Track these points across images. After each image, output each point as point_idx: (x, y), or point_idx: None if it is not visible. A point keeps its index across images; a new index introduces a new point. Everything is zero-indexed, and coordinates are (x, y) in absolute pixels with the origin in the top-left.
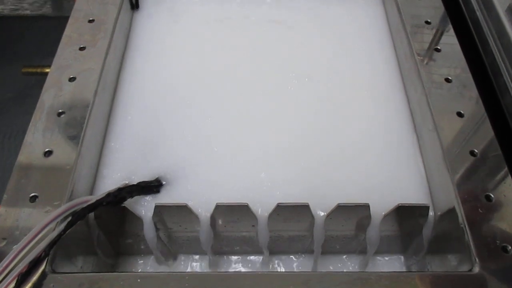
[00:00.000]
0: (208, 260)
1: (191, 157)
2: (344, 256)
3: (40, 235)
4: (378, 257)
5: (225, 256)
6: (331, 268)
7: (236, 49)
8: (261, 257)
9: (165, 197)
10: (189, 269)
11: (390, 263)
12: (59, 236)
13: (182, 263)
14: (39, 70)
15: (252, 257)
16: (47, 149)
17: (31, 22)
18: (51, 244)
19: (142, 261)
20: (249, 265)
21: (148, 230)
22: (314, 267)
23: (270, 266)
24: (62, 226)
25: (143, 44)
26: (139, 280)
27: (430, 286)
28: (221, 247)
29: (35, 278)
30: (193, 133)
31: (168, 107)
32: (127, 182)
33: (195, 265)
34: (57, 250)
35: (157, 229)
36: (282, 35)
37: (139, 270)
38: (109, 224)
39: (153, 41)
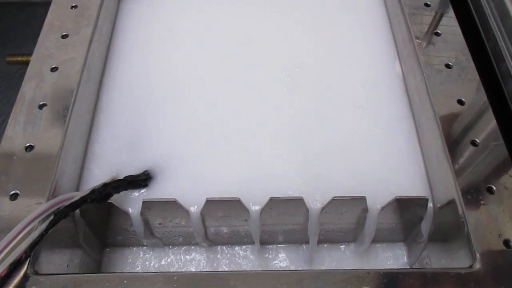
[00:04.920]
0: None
1: (181, 149)
2: (342, 247)
3: (20, 235)
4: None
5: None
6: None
7: (229, 36)
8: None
9: (154, 192)
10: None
11: (389, 252)
12: (41, 236)
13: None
14: (24, 58)
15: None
16: (28, 144)
17: (18, 8)
18: (32, 245)
19: (131, 254)
20: (246, 253)
21: (137, 226)
22: (309, 261)
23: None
24: (44, 225)
25: (130, 31)
26: (125, 281)
27: (429, 283)
28: (215, 239)
29: (16, 281)
30: (183, 125)
31: (157, 98)
32: (114, 175)
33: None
34: (40, 249)
35: (146, 225)
36: (275, 20)
37: (129, 263)
38: (96, 220)
39: (142, 27)
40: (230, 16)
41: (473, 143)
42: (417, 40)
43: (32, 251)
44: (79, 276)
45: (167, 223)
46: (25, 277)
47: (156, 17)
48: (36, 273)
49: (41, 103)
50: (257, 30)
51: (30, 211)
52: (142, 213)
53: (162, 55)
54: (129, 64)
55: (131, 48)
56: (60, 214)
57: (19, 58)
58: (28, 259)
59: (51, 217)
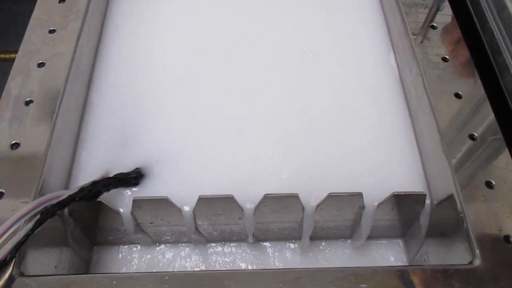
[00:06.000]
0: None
1: (173, 147)
2: (339, 244)
3: (5, 236)
4: (375, 241)
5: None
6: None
7: (223, 29)
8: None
9: (146, 190)
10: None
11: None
12: (27, 236)
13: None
14: (13, 56)
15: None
16: (14, 141)
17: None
18: (17, 245)
19: (121, 252)
20: (240, 251)
21: (128, 225)
22: (303, 256)
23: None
24: (30, 225)
25: (121, 25)
26: (114, 282)
27: (428, 281)
28: (208, 238)
29: (1, 282)
30: (176, 122)
31: (148, 94)
32: (105, 173)
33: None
34: (27, 249)
35: (137, 224)
36: (270, 16)
37: (119, 261)
38: (85, 219)
39: (133, 22)
40: (225, 9)
41: (471, 137)
42: (413, 34)
43: (17, 252)
44: (67, 277)
45: (159, 222)
46: (11, 279)
47: (147, 11)
48: (22, 274)
49: (28, 99)
50: (252, 23)
51: (15, 211)
52: (132, 212)
53: (154, 50)
54: (120, 59)
55: (122, 43)
56: (47, 213)
57: (8, 55)
58: (14, 260)
59: (38, 217)
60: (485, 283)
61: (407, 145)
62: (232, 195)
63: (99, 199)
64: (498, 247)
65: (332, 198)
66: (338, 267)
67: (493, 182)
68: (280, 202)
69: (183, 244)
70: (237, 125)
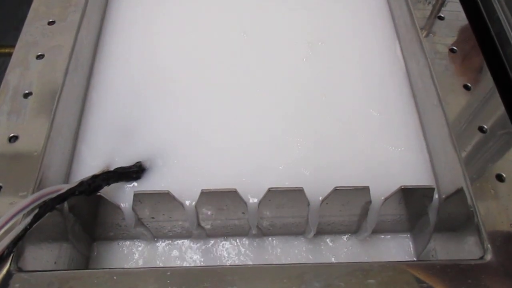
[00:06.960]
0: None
1: (175, 140)
2: (345, 238)
3: (2, 230)
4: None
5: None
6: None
7: (226, 20)
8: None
9: (148, 184)
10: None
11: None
12: (25, 230)
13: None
14: (13, 50)
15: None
16: (12, 134)
17: None
18: (15, 240)
19: (121, 247)
20: (244, 246)
21: (129, 220)
22: (309, 251)
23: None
24: (29, 219)
25: (122, 17)
26: (115, 278)
27: (438, 276)
28: (210, 232)
29: None
30: (178, 115)
31: (150, 87)
32: (105, 166)
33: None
34: (25, 245)
35: (138, 219)
36: (273, 8)
37: (119, 257)
38: (86, 214)
39: (134, 13)
40: (228, 5)
41: (481, 129)
42: (420, 25)
43: (15, 247)
44: (66, 272)
45: (160, 217)
46: (8, 274)
47: (148, 5)
48: (20, 270)
49: (26, 91)
50: (255, 17)
51: (13, 205)
52: (133, 206)
53: (155, 44)
54: (120, 53)
55: (122, 37)
56: (46, 207)
57: (7, 50)
58: (11, 255)
59: (36, 211)
60: (497, 278)
61: (414, 138)
62: (235, 189)
63: (99, 193)
64: (509, 242)
65: (338, 192)
66: (344, 262)
67: (504, 175)
68: (285, 196)
69: (185, 239)
70: (241, 119)
